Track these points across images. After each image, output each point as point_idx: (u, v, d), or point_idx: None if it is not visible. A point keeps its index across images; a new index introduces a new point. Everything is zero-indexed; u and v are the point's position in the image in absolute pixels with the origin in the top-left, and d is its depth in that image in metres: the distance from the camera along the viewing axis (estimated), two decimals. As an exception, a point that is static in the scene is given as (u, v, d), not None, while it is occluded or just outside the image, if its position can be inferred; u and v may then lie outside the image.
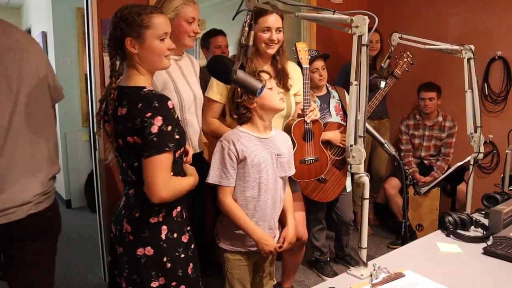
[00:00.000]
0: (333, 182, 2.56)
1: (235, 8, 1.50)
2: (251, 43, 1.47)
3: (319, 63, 2.59)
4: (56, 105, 1.54)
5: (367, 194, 1.31)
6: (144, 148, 1.21)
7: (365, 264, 1.33)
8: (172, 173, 1.27)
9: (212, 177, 1.59)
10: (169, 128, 1.22)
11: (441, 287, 1.21)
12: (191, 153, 1.49)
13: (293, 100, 2.03)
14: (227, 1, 4.23)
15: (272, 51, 1.91)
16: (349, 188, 2.73)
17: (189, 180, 1.38)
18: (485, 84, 3.23)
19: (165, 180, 1.22)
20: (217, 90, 1.87)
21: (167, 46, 1.31)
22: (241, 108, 1.60)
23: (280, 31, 1.90)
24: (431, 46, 2.01)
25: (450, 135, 3.26)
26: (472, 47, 1.90)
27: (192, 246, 1.43)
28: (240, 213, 1.58)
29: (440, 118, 3.28)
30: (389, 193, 3.29)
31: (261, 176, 1.59)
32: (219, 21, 3.00)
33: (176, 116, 1.28)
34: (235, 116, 1.64)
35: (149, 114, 1.19)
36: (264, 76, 1.61)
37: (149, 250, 1.29)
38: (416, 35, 2.07)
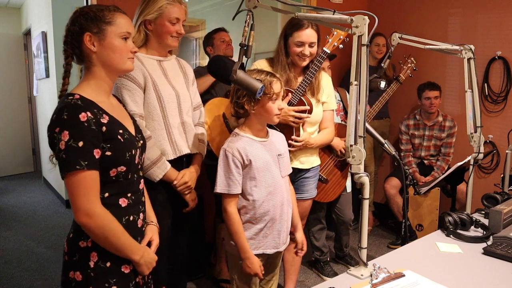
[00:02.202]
0: (334, 183, 2.56)
1: (235, 8, 1.50)
2: (251, 43, 1.46)
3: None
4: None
5: (367, 194, 1.31)
6: (59, 167, 1.12)
7: (365, 264, 1.33)
8: (108, 193, 1.18)
9: (220, 187, 1.55)
10: (80, 143, 1.08)
11: (441, 287, 1.21)
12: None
13: (321, 108, 2.10)
14: (227, 1, 4.23)
15: (304, 63, 2.00)
16: (349, 188, 2.74)
17: (131, 243, 1.20)
18: (485, 84, 3.23)
19: (87, 203, 1.10)
20: None
21: (130, 48, 1.23)
22: (240, 107, 1.59)
23: (313, 45, 1.96)
24: (431, 46, 2.01)
25: (450, 135, 3.26)
26: (472, 47, 1.90)
27: (137, 280, 1.28)
28: (240, 227, 1.56)
29: (440, 118, 3.28)
30: (389, 193, 3.29)
31: (267, 179, 1.58)
32: (219, 21, 3.01)
33: (104, 130, 1.14)
34: (232, 110, 1.61)
35: (57, 129, 1.09)
36: (276, 87, 1.56)
37: (78, 275, 1.17)
38: (416, 35, 2.07)
